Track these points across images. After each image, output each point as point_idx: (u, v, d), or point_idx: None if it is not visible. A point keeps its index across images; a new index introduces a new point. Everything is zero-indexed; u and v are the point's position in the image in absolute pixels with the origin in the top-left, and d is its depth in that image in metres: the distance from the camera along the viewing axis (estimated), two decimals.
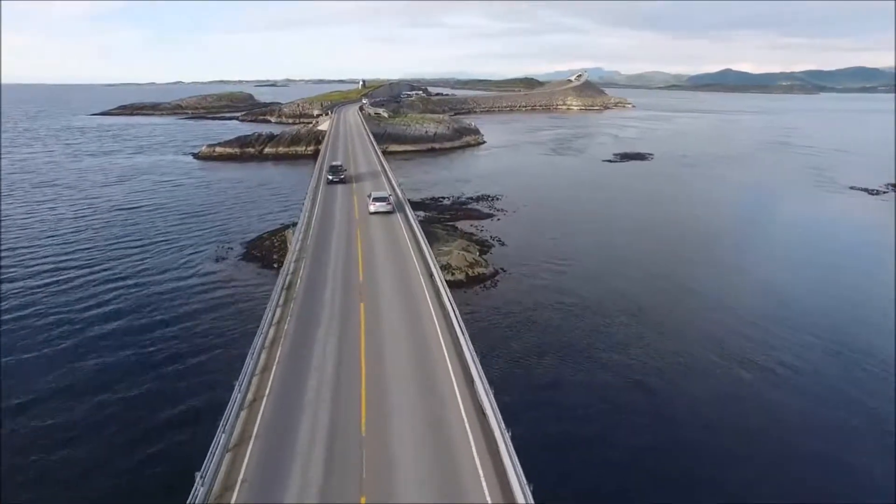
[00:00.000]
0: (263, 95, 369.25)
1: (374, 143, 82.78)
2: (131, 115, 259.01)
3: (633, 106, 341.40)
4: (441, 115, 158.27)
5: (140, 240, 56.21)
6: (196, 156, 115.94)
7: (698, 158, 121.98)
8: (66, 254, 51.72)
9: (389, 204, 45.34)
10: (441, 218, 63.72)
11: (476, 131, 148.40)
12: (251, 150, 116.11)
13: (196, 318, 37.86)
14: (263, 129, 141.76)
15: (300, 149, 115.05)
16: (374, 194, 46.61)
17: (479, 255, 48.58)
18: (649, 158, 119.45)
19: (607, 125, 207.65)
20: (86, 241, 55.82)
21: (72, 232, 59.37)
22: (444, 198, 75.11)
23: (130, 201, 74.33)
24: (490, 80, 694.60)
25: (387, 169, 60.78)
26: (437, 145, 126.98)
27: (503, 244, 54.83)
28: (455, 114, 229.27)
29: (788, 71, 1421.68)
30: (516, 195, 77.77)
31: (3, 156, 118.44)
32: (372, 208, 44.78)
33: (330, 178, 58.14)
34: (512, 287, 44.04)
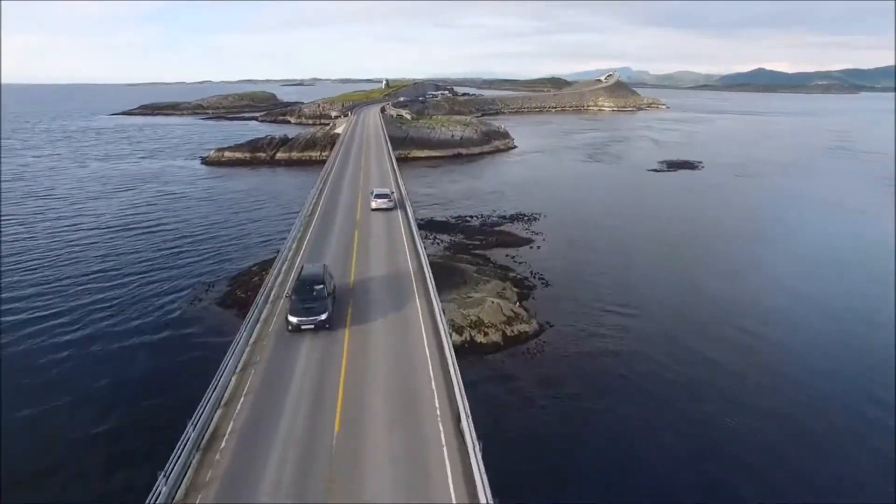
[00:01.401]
0: (288, 95, 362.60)
1: (391, 153, 72.99)
2: (152, 114, 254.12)
3: (667, 107, 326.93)
4: (468, 118, 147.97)
5: (115, 272, 47.22)
6: (204, 161, 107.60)
7: (755, 167, 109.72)
8: (17, 291, 42.84)
9: (391, 201, 44.24)
10: (470, 245, 53.61)
11: (506, 135, 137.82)
12: (262, 154, 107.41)
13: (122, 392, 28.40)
14: (282, 131, 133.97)
15: (314, 154, 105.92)
16: (376, 191, 45.41)
17: (518, 303, 38.36)
18: (699, 167, 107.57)
19: (644, 128, 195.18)
20: (51, 273, 47.01)
21: (37, 259, 50.64)
22: (472, 217, 64.91)
23: (121, 218, 65.60)
24: (516, 80, 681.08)
25: (401, 186, 51.18)
26: (463, 150, 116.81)
27: (546, 283, 44.51)
28: (482, 115, 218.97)
29: (824, 70, 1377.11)
30: (556, 212, 67.32)
31: (8, 159, 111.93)
32: (374, 205, 43.84)
33: None
34: (563, 352, 33.82)
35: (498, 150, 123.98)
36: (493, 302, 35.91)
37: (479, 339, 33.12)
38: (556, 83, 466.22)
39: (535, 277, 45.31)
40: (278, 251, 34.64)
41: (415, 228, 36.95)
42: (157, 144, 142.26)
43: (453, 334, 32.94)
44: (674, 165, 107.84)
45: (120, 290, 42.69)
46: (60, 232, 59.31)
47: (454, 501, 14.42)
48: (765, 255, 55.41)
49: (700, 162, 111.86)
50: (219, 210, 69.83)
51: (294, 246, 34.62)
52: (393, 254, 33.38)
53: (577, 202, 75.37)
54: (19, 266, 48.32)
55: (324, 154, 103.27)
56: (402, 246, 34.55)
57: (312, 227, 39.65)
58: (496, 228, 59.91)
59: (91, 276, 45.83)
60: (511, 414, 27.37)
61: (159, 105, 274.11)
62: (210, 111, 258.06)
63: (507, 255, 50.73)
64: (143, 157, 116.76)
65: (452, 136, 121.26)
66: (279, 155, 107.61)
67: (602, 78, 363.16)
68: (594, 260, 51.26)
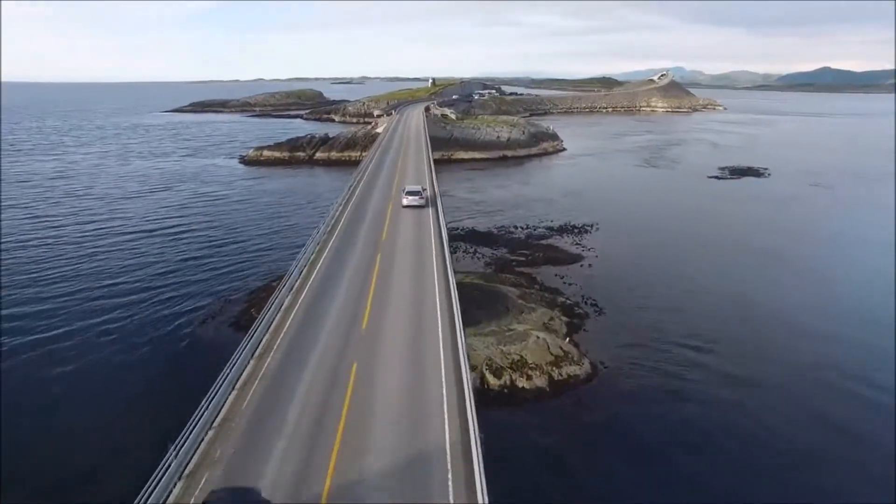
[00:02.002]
0: (337, 93, 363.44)
1: (431, 157, 68.48)
2: (202, 111, 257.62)
3: (724, 108, 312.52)
4: (515, 118, 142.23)
5: (136, 282, 44.19)
6: (243, 160, 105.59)
7: (830, 176, 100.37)
8: (35, 295, 40.14)
9: (422, 198, 42.63)
10: (514, 261, 48.53)
11: (554, 136, 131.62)
12: (301, 154, 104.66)
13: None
14: (326, 129, 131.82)
15: (354, 154, 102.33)
16: (408, 188, 44.14)
17: (568, 338, 33.10)
18: (765, 175, 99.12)
19: (700, 130, 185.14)
20: (69, 279, 44.29)
21: (62, 263, 48.21)
22: (518, 228, 59.69)
23: (151, 222, 63.16)
24: (566, 80, 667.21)
25: (436, 190, 46.41)
26: (510, 153, 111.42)
27: (599, 309, 39.09)
28: (531, 115, 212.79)
29: None
30: (609, 224, 61.48)
31: (58, 157, 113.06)
32: (405, 202, 42.41)
33: None
34: (621, 399, 28.51)
35: (546, 153, 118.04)
36: (538, 337, 30.82)
37: (521, 383, 28.17)
38: (607, 83, 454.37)
39: (586, 303, 39.89)
40: (286, 273, 28.40)
41: (448, 257, 30.69)
42: (201, 142, 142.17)
43: (490, 377, 28.07)
44: (737, 172, 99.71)
45: (133, 305, 39.46)
46: (88, 237, 56.87)
47: None
48: (861, 282, 48.36)
49: (766, 169, 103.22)
50: (251, 214, 66.80)
51: (298, 285, 27.40)
52: (419, 293, 26.53)
53: (633, 213, 69.13)
54: (36, 274, 45.80)
55: (364, 154, 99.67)
56: (432, 280, 27.93)
57: (329, 248, 33.38)
58: (544, 242, 54.59)
59: (106, 288, 42.87)
60: (556, 484, 22.33)
61: (209, 102, 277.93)
62: (257, 109, 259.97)
63: (555, 275, 45.45)
64: (185, 156, 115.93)
65: (498, 137, 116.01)
66: (318, 154, 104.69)
67: (655, 77, 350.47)
68: (654, 281, 45.40)
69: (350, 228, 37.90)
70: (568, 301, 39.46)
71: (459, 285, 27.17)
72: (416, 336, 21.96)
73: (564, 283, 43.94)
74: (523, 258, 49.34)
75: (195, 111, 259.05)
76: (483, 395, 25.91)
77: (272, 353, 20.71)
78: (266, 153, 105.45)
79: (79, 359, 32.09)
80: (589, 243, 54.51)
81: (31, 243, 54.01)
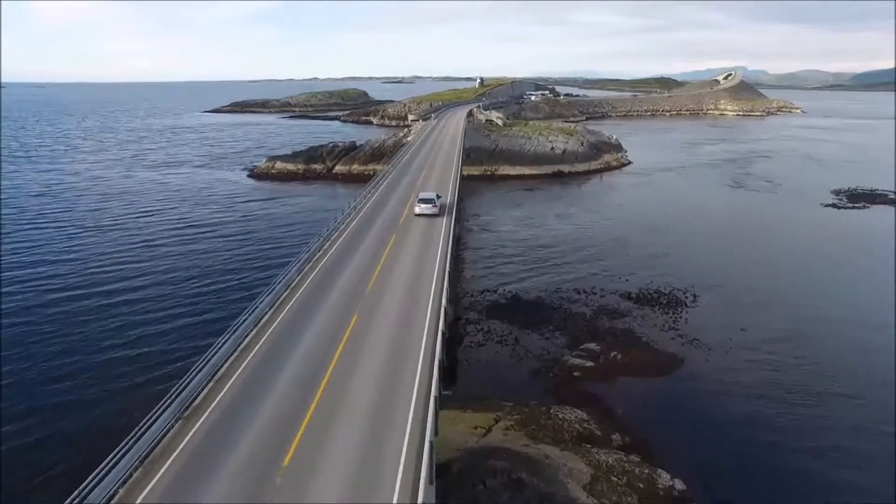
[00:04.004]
0: (384, 92, 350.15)
1: (458, 181, 52.40)
2: (241, 111, 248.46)
3: (802, 110, 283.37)
4: (572, 125, 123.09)
5: (69, 359, 29.07)
6: (251, 174, 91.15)
7: None
8: None
9: (436, 206, 40.18)
10: (576, 369, 30.93)
11: (618, 146, 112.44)
12: (318, 167, 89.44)
13: None
14: (362, 132, 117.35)
15: (380, 167, 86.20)
16: (422, 195, 41.92)
17: None
18: None
19: (784, 137, 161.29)
20: None
21: None
22: (580, 293, 41.90)
23: (117, 265, 48.23)
24: (621, 80, 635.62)
25: (450, 237, 30.88)
26: (566, 167, 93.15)
27: (710, 479, 21.19)
28: (587, 119, 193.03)
29: None
30: (709, 287, 43.26)
31: (58, 167, 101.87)
32: (417, 210, 40.19)
33: None
34: None
35: (609, 168, 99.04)
36: None
37: None
38: (665, 83, 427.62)
39: (704, 490, 21.94)
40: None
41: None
42: (224, 148, 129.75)
43: None
44: (859, 198, 78.32)
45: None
46: (29, 290, 42.22)
47: None
48: None
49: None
50: (241, 250, 51.76)
51: None
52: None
53: (740, 266, 50.00)
54: None
55: (377, 168, 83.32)
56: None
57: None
58: (620, 323, 36.78)
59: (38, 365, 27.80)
60: None
61: (249, 103, 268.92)
62: (297, 109, 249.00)
63: (642, 404, 27.70)
64: (197, 166, 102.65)
65: (553, 148, 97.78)
66: (338, 168, 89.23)
67: (720, 78, 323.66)
68: (790, 402, 27.05)
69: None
70: (677, 491, 21.50)
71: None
72: None
73: (660, 424, 26.17)
74: (591, 361, 31.69)
75: (234, 111, 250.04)
76: None
77: None
78: (279, 165, 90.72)
79: None
80: (688, 328, 36.37)
81: None
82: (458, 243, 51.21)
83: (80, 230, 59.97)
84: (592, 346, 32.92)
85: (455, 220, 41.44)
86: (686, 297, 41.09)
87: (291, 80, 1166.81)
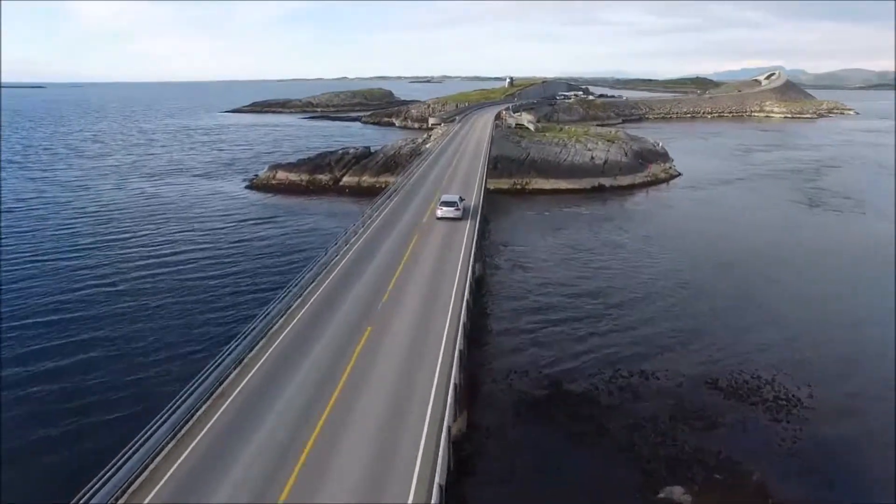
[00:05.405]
0: (411, 92, 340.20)
1: (482, 199, 41.48)
2: (261, 111, 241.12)
3: (855, 112, 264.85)
4: (612, 131, 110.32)
5: None
6: (251, 185, 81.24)
7: None
8: None
9: (459, 209, 39.11)
10: None
11: (664, 155, 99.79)
12: (324, 177, 79.06)
13: None
14: (383, 134, 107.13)
15: (392, 179, 75.55)
16: (444, 197, 40.67)
17: None
18: None
19: (844, 143, 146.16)
20: None
21: None
22: (644, 376, 30.30)
23: (70, 307, 38.47)
24: (655, 80, 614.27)
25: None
26: (607, 181, 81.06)
27: None
28: (623, 121, 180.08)
29: None
30: (827, 361, 31.06)
31: (48, 174, 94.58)
32: (439, 213, 39.17)
33: None
34: None
35: (657, 181, 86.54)
36: None
37: None
38: (701, 83, 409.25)
39: None
40: None
41: None
42: (235, 152, 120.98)
43: None
44: None
45: None
46: None
47: None
48: None
49: None
50: (217, 289, 41.29)
51: None
52: None
53: (848, 325, 37.71)
54: None
55: (387, 182, 72.55)
56: None
57: None
58: (709, 439, 25.10)
59: None
60: None
61: (269, 102, 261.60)
62: (318, 110, 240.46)
63: None
64: (197, 175, 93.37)
65: (593, 157, 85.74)
66: (346, 179, 78.66)
67: (761, 78, 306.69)
68: None
69: None
70: None
71: None
72: None
73: None
74: None
75: (254, 111, 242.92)
76: None
77: None
78: (280, 175, 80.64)
79: None
80: (815, 443, 24.51)
81: None
82: (480, 286, 40.17)
83: (31, 258, 50.23)
84: (678, 492, 21.39)
85: (474, 258, 31.03)
86: (799, 389, 29.11)
87: (320, 79, 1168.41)
